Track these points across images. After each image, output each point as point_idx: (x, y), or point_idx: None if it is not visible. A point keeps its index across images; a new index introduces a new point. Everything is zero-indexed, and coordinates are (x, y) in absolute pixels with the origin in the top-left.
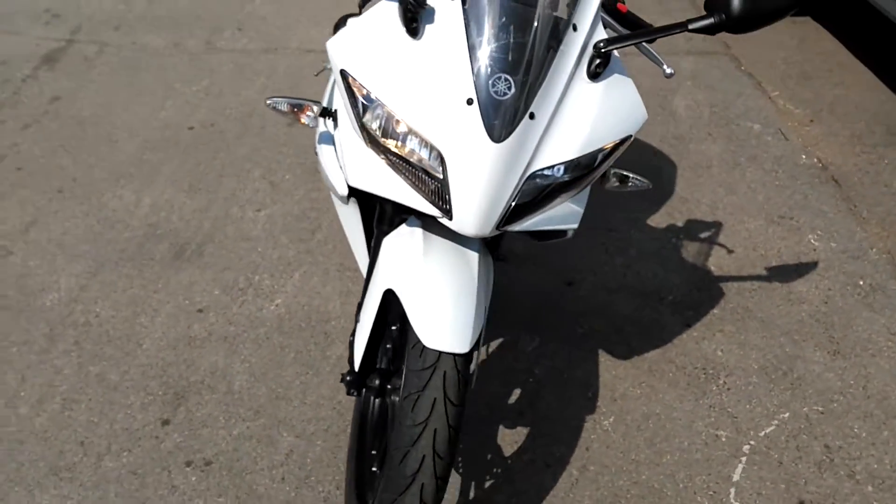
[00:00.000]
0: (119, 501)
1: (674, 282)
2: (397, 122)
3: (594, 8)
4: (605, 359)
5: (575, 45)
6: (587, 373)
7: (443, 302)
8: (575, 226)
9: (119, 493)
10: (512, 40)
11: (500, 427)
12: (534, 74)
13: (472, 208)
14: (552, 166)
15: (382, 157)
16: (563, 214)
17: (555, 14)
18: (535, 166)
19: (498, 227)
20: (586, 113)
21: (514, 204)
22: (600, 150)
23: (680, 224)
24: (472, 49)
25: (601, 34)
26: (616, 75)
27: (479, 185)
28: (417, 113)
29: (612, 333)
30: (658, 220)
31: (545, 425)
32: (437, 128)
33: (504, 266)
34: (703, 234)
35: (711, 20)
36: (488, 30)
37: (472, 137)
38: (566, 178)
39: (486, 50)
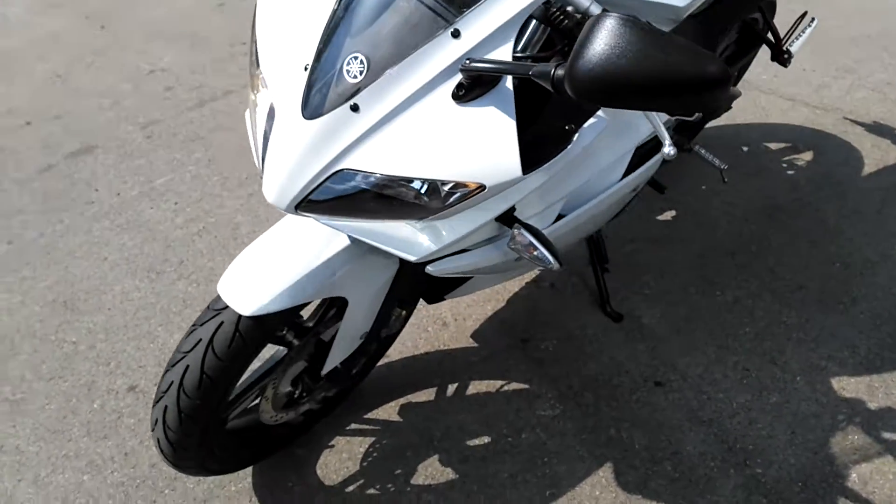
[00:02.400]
0: None
1: None
2: (258, 70)
3: (493, 21)
4: None
5: (448, 54)
6: None
7: (258, 260)
8: (412, 257)
9: None
10: (383, 21)
11: None
12: (378, 65)
13: (273, 176)
14: (364, 172)
15: (252, 103)
16: (403, 238)
17: (439, 8)
18: (346, 164)
19: (298, 208)
20: (433, 134)
21: (314, 188)
22: (434, 180)
23: None
24: (336, 17)
25: (501, 55)
26: (494, 110)
27: (280, 154)
28: (271, 66)
29: None
30: None
31: None
32: (276, 86)
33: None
34: None
35: (550, 70)
36: (365, 2)
37: (290, 105)
38: (381, 192)
39: (352, 22)
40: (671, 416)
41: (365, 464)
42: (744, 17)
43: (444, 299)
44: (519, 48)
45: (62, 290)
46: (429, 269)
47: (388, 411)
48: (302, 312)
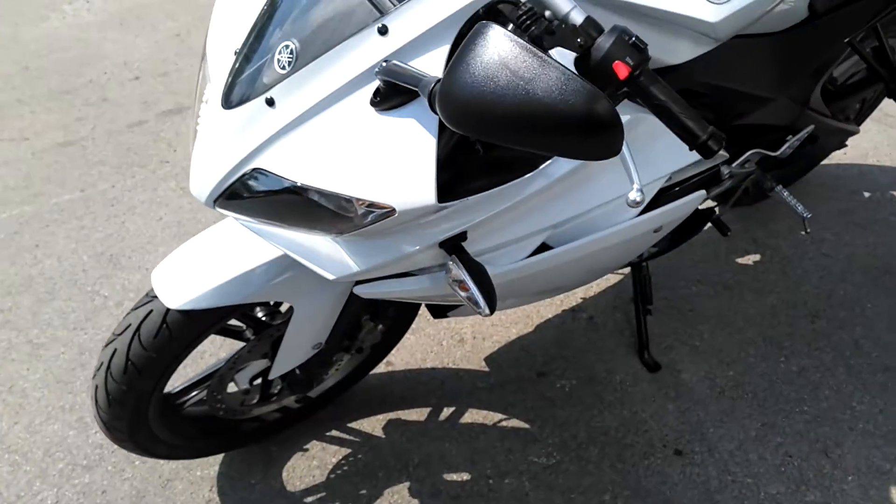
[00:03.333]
0: None
1: None
2: (205, 53)
3: (426, 20)
4: None
5: (372, 53)
6: None
7: (196, 254)
8: (330, 276)
9: None
10: (321, 6)
11: None
12: (305, 57)
13: (195, 167)
14: (275, 175)
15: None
16: (325, 253)
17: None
18: (258, 163)
19: (217, 204)
20: (346, 143)
21: (230, 184)
22: (339, 195)
23: None
24: (273, 3)
25: (431, 60)
26: (413, 123)
27: (201, 145)
28: (215, 49)
29: None
30: None
31: None
32: (213, 69)
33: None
34: None
35: (430, 85)
36: None
37: (215, 93)
38: (296, 199)
39: (292, 5)
40: (682, 493)
41: (332, 476)
42: (853, 42)
43: (447, 316)
44: None
45: (112, 244)
46: (357, 290)
47: (374, 424)
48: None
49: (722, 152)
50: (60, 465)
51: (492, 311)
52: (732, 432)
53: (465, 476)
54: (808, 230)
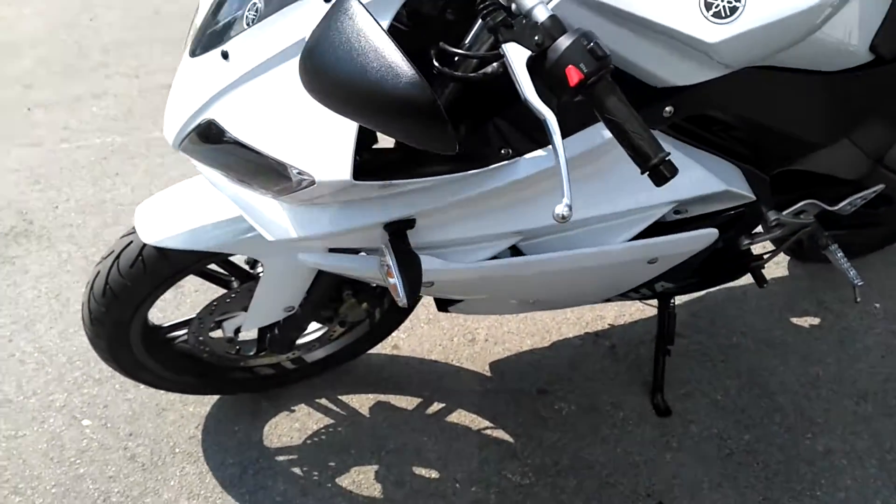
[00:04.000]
0: None
1: None
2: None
3: None
4: None
5: (318, 15)
6: None
7: (181, 196)
8: (269, 236)
9: None
10: None
11: None
12: (263, 15)
13: (168, 108)
14: (224, 129)
15: None
16: (270, 213)
17: None
18: (210, 113)
19: (181, 148)
20: (285, 105)
21: (189, 131)
22: (271, 158)
23: None
24: None
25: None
26: None
27: (174, 88)
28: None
29: None
30: None
31: None
32: (198, 18)
33: None
34: None
35: None
36: None
37: (189, 39)
38: (244, 153)
39: None
40: None
41: (309, 441)
42: None
43: (448, 311)
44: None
45: None
46: (300, 256)
47: (362, 402)
48: None
49: (762, 193)
50: (77, 373)
51: (409, 304)
52: (728, 499)
53: (434, 474)
54: (858, 299)
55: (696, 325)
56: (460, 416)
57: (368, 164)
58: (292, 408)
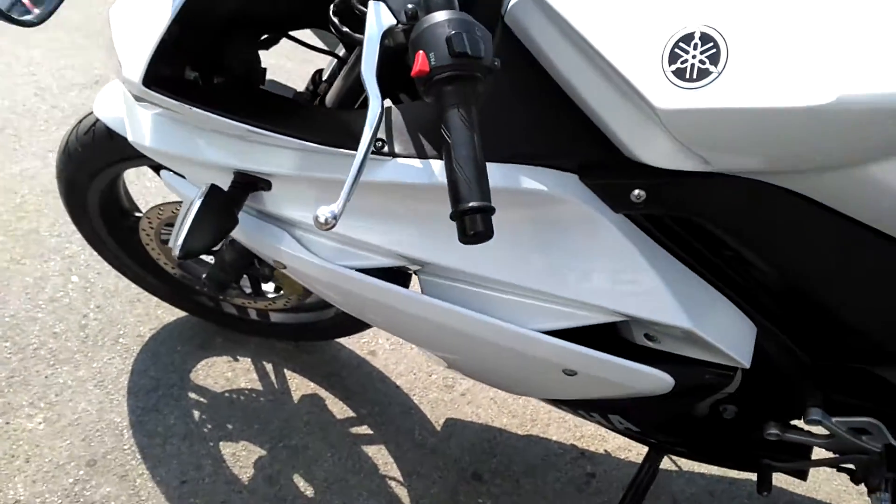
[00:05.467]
0: None
1: None
2: None
3: None
4: None
5: None
6: None
7: None
8: (129, 137)
9: None
10: None
11: None
12: None
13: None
14: None
15: None
16: (141, 117)
17: None
18: None
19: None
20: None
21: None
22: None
23: None
24: None
25: None
26: None
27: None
28: None
29: None
30: None
31: None
32: None
33: None
34: None
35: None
36: None
37: None
38: None
39: None
40: None
41: (226, 395)
42: None
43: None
44: None
45: None
46: (162, 173)
47: (301, 387)
48: None
49: (795, 374)
50: None
51: (181, 256)
52: None
53: (310, 492)
54: None
55: (697, 496)
56: (377, 453)
57: (184, 82)
58: (238, 357)
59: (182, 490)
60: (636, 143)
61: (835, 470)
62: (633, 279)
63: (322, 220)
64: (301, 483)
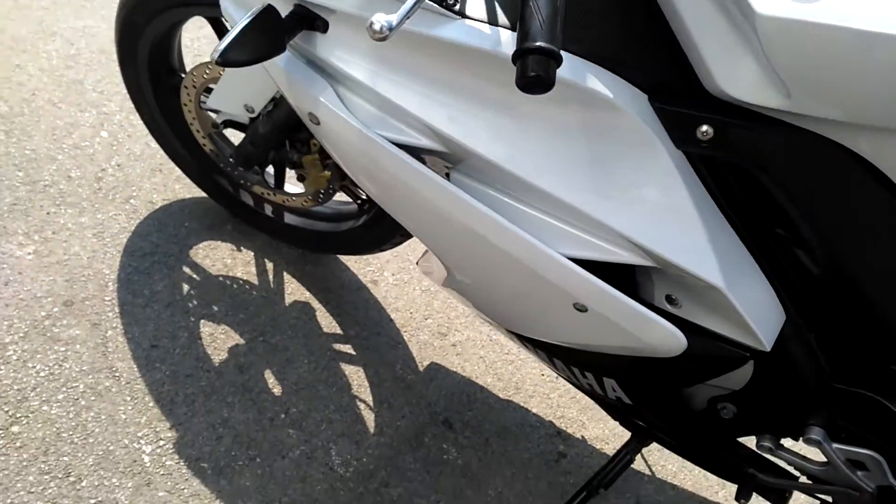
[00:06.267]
0: None
1: None
2: None
3: None
4: None
5: None
6: None
7: None
8: None
9: None
10: None
11: None
12: None
13: None
14: None
15: None
16: None
17: None
18: None
19: None
20: None
21: None
22: None
23: None
24: None
25: None
26: None
27: None
28: None
29: None
30: None
31: None
32: None
33: None
34: None
35: None
36: None
37: None
38: None
39: None
40: None
41: (220, 279)
42: None
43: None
44: None
45: None
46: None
47: (296, 292)
48: None
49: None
50: None
51: (219, 62)
52: None
53: (277, 390)
54: None
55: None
56: (354, 373)
57: None
58: (242, 248)
59: (150, 353)
60: (719, 66)
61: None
62: (677, 221)
63: (377, 27)
64: (271, 380)
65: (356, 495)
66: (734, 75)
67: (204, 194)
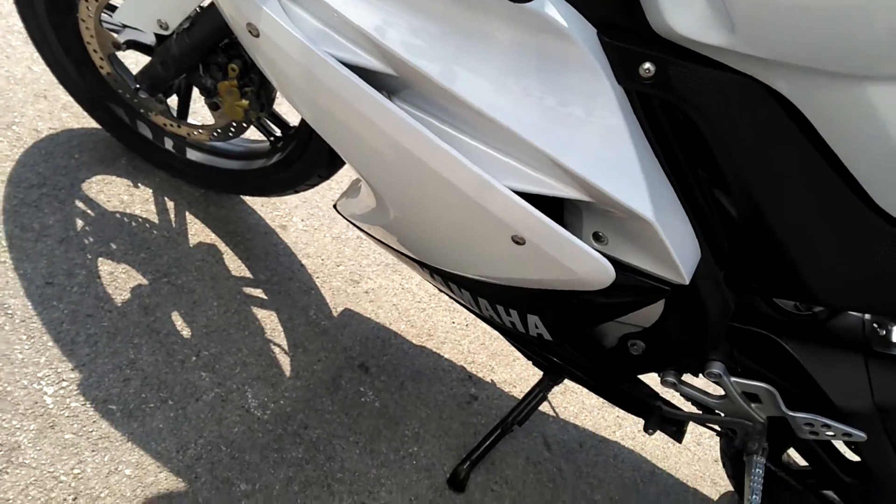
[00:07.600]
0: None
1: None
2: None
3: None
4: None
5: None
6: None
7: None
8: None
9: None
10: None
11: None
12: None
13: None
14: None
15: None
16: None
17: None
18: None
19: None
20: None
21: None
22: None
23: None
24: None
25: None
26: None
27: None
28: None
29: None
30: None
31: None
32: None
33: None
34: None
35: None
36: None
37: None
38: None
39: None
40: None
41: (117, 215)
42: None
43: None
44: None
45: None
46: None
47: (201, 234)
48: None
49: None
50: None
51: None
52: None
53: (186, 332)
54: None
55: (567, 443)
56: (267, 318)
57: None
58: (139, 185)
59: (45, 291)
60: (667, 1)
61: (696, 455)
62: (615, 155)
63: None
64: (179, 322)
65: (275, 437)
66: (681, 10)
67: (95, 124)
